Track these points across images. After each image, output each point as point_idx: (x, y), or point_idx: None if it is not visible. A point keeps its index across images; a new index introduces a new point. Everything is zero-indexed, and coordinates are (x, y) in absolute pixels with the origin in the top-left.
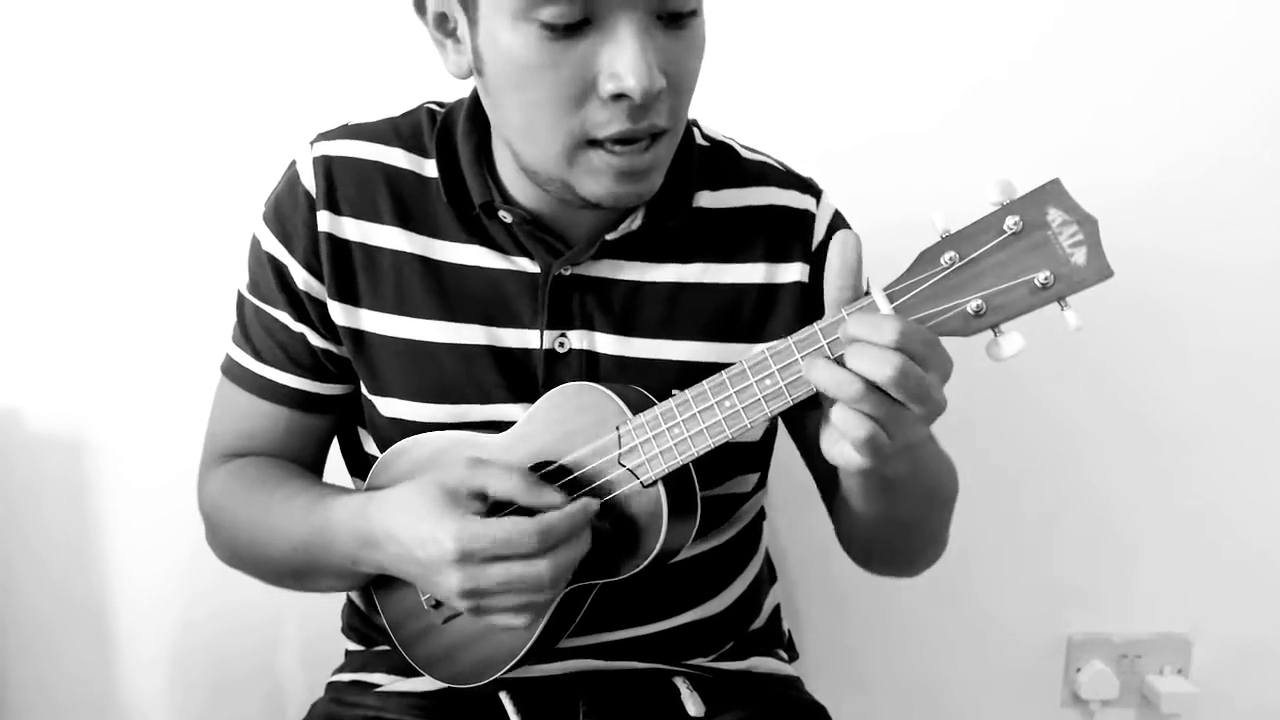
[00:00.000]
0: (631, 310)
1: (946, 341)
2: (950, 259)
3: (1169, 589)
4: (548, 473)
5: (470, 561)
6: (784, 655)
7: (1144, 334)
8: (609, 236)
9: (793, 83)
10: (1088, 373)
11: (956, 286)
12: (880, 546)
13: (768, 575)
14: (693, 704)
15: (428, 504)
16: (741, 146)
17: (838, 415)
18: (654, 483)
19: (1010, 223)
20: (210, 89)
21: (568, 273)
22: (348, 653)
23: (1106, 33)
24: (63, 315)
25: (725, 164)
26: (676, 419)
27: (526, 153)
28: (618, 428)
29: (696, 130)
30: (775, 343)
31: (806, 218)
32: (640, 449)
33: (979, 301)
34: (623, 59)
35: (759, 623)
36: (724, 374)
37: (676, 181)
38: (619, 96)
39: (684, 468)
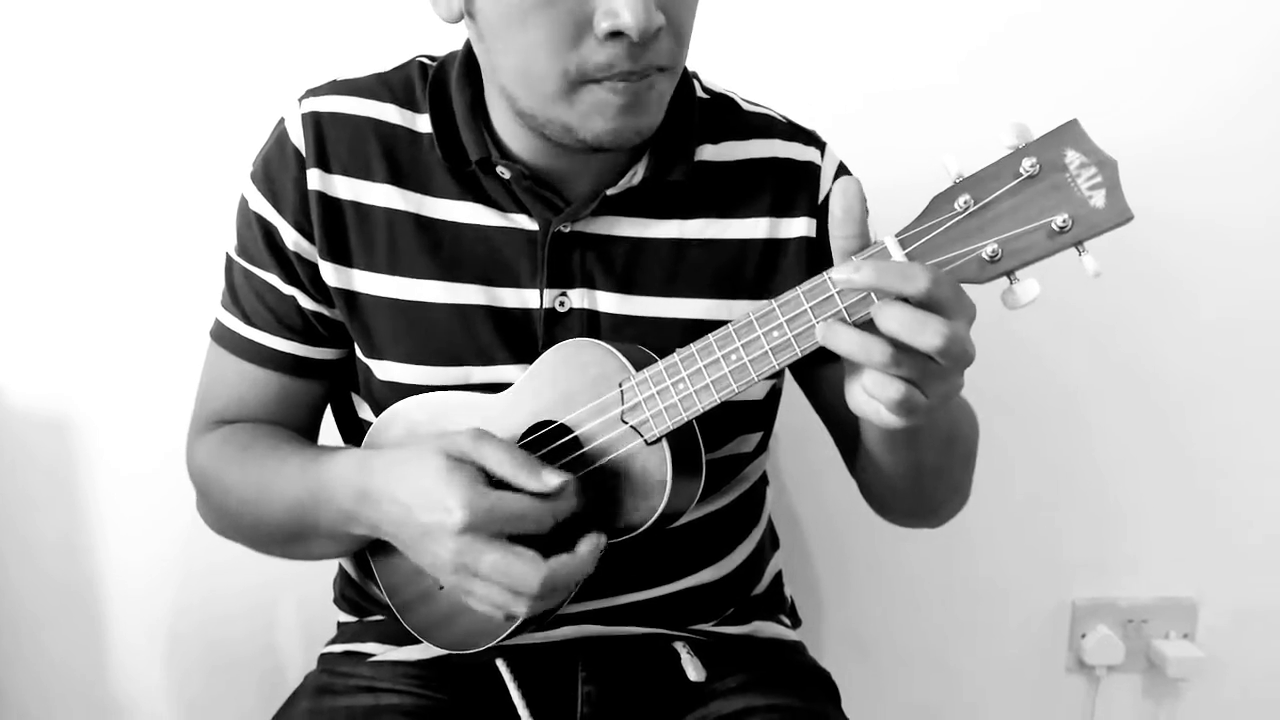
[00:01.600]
0: (633, 268)
1: None
2: (964, 203)
3: (1174, 554)
4: (547, 432)
5: (474, 534)
6: (786, 621)
7: (1148, 300)
8: (610, 191)
9: (798, 41)
10: (1091, 338)
11: (971, 231)
12: (904, 498)
13: (770, 541)
14: (693, 669)
15: (433, 467)
16: (743, 99)
17: (872, 382)
18: (658, 440)
19: (1026, 165)
20: (189, 53)
21: (567, 230)
22: (340, 624)
23: None
24: (45, 291)
25: (726, 116)
26: (681, 374)
27: (523, 96)
28: (620, 384)
29: (697, 83)
30: (784, 294)
31: (811, 170)
32: (643, 405)
33: (995, 246)
34: None
35: (761, 588)
36: (729, 326)
37: (678, 134)
38: (616, 35)
39: (688, 425)
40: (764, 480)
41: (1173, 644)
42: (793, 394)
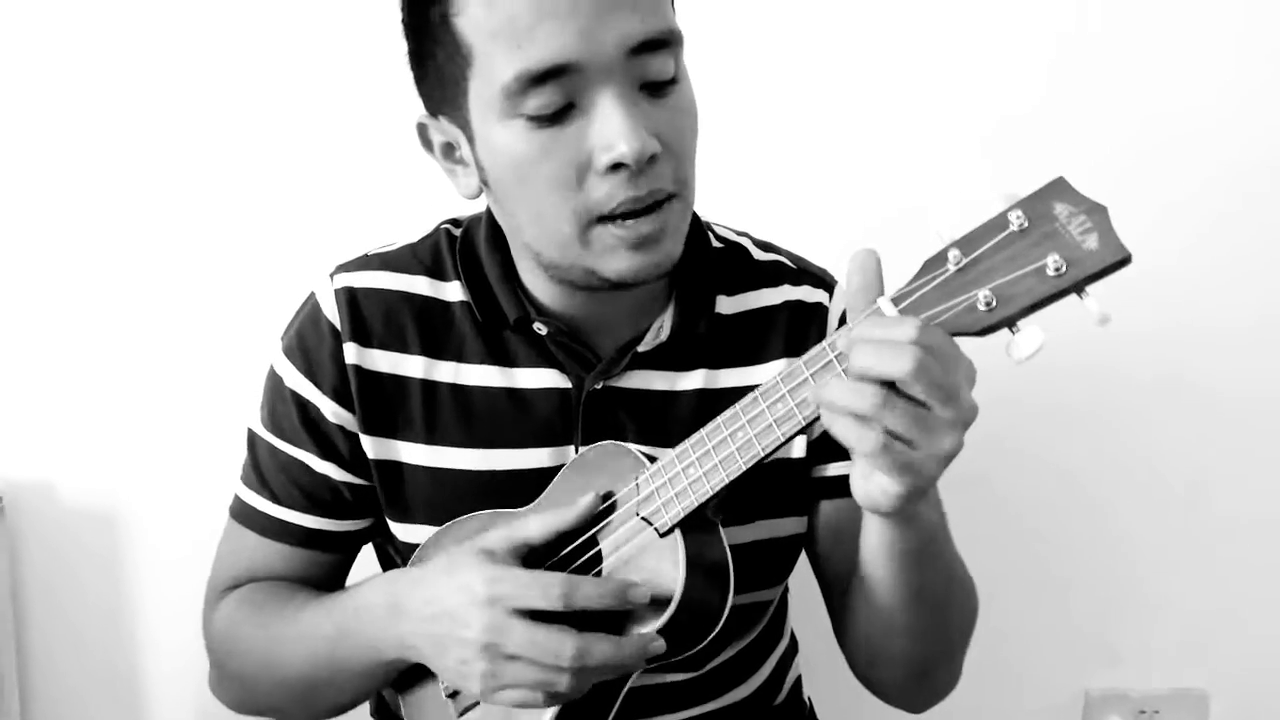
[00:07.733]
0: (664, 421)
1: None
2: (955, 258)
3: (1187, 645)
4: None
5: (497, 606)
6: None
7: (1163, 388)
8: (640, 349)
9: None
10: (1105, 426)
11: (964, 284)
12: (899, 639)
13: (791, 650)
14: None
15: (465, 558)
16: (754, 245)
17: (850, 432)
18: (670, 530)
19: (1014, 219)
20: (235, 155)
21: (600, 386)
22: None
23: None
24: (95, 389)
25: (740, 267)
26: (691, 457)
27: (544, 248)
28: (637, 479)
29: (711, 234)
30: (788, 366)
31: (820, 310)
32: (656, 495)
33: (988, 294)
34: (611, 129)
35: (781, 698)
36: (736, 406)
37: (698, 286)
38: (616, 167)
39: (709, 523)
40: (785, 598)
41: None
42: None
